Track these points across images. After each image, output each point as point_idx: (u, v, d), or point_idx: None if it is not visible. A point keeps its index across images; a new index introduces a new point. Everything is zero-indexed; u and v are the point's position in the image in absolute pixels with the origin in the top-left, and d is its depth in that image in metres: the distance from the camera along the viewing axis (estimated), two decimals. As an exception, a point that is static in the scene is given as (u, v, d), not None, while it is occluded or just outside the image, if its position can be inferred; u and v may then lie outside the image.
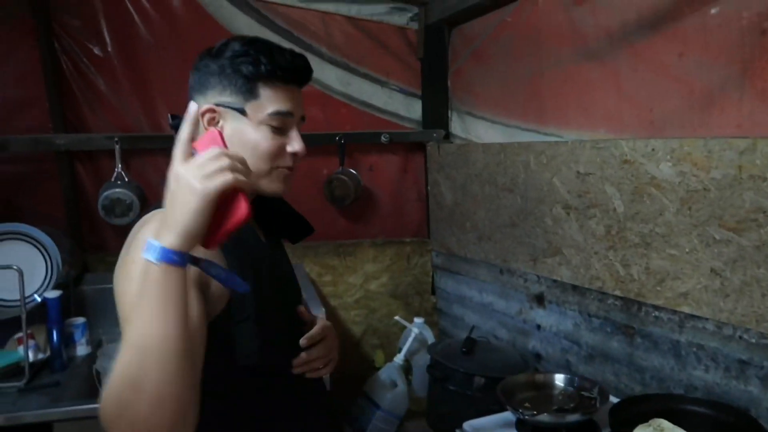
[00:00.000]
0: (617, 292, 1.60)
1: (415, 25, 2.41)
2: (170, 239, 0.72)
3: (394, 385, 2.05)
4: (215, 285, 0.85)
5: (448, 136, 2.41)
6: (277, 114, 0.95)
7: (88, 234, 2.24)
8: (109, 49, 2.16)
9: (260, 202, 1.05)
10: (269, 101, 0.95)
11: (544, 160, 1.80)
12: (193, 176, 0.73)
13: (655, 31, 1.44)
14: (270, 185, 0.99)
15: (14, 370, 1.68)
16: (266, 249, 1.06)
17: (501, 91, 2.09)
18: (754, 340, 1.27)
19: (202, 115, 0.93)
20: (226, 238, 0.77)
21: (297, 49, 1.00)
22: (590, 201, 1.66)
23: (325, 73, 2.36)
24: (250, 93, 0.94)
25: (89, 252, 2.24)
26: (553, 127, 1.84)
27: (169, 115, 1.01)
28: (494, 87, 2.13)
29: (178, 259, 0.72)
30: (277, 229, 1.13)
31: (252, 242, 1.02)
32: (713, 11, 1.31)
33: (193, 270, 0.79)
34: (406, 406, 2.06)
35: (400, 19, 2.40)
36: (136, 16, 2.18)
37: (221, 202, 0.75)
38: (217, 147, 0.78)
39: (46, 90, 2.09)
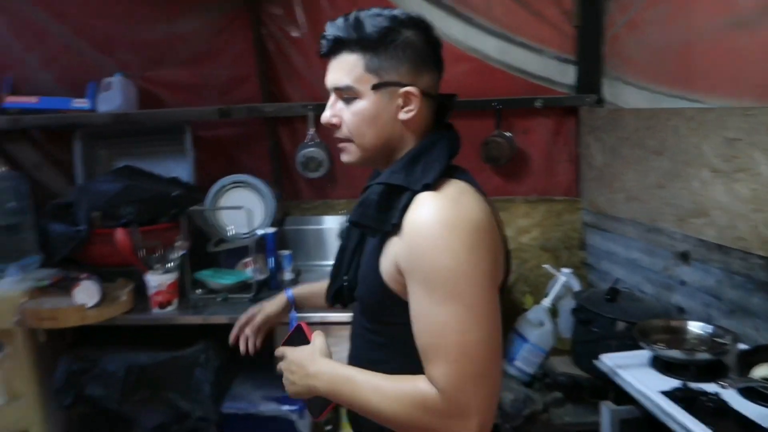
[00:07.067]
0: (761, 252, 1.69)
1: (571, -5, 2.53)
2: None
3: (541, 323, 2.26)
4: None
5: (599, 101, 2.52)
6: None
7: (287, 185, 2.74)
8: (304, 31, 2.58)
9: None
10: None
11: (694, 125, 1.89)
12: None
13: (813, 1, 1.49)
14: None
15: (243, 286, 2.22)
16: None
17: (651, 58, 2.16)
18: None
19: None
20: None
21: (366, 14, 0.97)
22: (737, 165, 1.75)
23: (485, 44, 2.55)
24: None
25: (288, 200, 2.74)
26: (699, 94, 1.91)
27: None
28: (645, 54, 2.20)
29: None
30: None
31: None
32: None
33: None
34: (552, 344, 2.25)
35: (557, -11, 2.53)
36: (325, 2, 2.55)
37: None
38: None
39: (257, 68, 2.58)
